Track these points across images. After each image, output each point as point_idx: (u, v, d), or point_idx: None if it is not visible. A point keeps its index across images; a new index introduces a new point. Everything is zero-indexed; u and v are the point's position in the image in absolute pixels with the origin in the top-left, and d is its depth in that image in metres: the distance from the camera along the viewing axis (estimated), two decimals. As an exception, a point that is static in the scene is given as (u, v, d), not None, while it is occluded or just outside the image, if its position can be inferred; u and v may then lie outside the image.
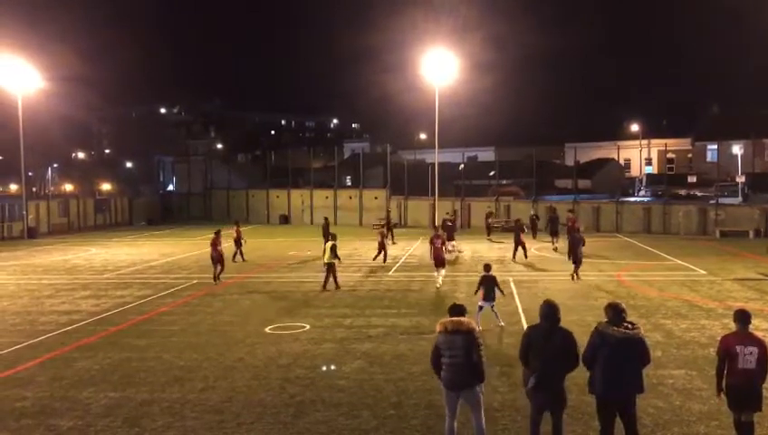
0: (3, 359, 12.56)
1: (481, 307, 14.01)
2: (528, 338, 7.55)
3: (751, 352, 7.21)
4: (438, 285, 19.40)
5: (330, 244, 19.39)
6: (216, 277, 21.26)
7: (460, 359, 7.49)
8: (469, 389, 7.63)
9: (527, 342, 7.52)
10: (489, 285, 14.04)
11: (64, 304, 18.13)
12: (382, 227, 30.84)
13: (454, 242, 27.18)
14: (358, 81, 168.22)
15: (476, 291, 14.28)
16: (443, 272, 19.81)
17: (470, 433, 7.96)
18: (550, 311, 7.45)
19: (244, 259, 26.40)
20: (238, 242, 26.66)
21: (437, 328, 7.76)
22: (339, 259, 19.68)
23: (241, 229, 27.50)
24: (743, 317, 7.46)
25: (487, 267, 14.41)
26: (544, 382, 7.30)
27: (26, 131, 41.10)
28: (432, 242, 20.35)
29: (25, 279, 22.92)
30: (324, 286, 19.24)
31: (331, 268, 19.28)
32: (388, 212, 37.31)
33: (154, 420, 9.23)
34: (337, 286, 19.29)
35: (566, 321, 13.76)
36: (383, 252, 25.18)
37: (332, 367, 11.53)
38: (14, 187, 72.00)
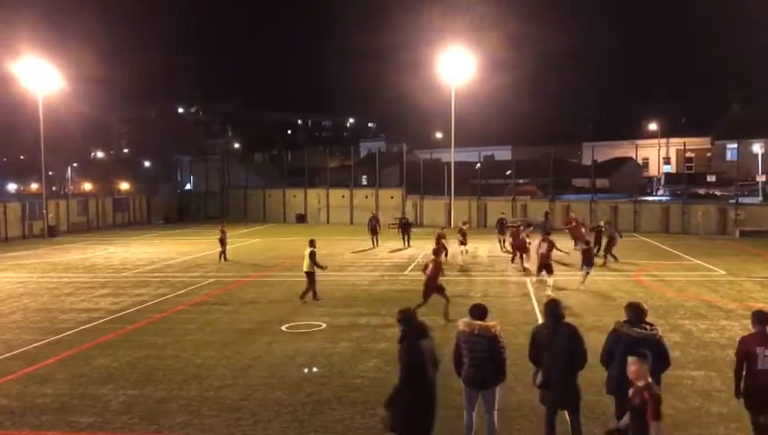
0: (23, 356, 12.73)
1: None
2: (535, 337, 7.61)
3: (770, 353, 7.14)
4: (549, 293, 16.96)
5: (308, 250, 17.75)
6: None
7: (483, 360, 7.53)
8: (488, 388, 7.66)
9: (534, 340, 7.57)
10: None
11: (84, 301, 18.33)
12: (395, 225, 30.59)
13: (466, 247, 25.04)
14: (374, 80, 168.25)
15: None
16: (550, 281, 18.15)
17: (483, 431, 7.95)
18: (554, 308, 7.54)
19: (225, 259, 26.13)
20: (223, 242, 26.47)
21: (460, 326, 7.77)
22: (321, 267, 17.80)
23: (226, 230, 27.19)
24: (762, 318, 7.38)
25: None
26: (553, 379, 7.31)
27: (47, 131, 41.55)
28: (539, 247, 18.74)
29: (46, 277, 23.19)
30: (303, 296, 17.41)
31: (310, 277, 17.58)
32: (403, 215, 36.27)
33: (172, 418, 9.31)
34: (315, 297, 17.48)
35: (584, 321, 13.76)
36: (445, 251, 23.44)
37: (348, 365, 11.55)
38: (34, 186, 72.80)
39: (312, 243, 18.12)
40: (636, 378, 5.84)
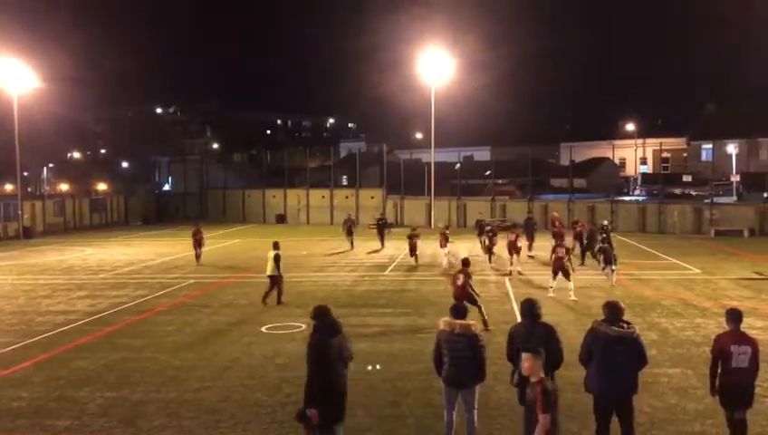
0: (-2, 359, 12.55)
1: None
2: (512, 336, 7.66)
3: (744, 352, 7.26)
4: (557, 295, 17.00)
5: (272, 253, 17.22)
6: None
7: (463, 359, 7.56)
8: (468, 388, 7.69)
9: (511, 339, 7.62)
10: None
11: (60, 304, 18.11)
12: (373, 226, 30.45)
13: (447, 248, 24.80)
14: (354, 80, 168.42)
15: None
16: (570, 285, 17.35)
17: (464, 431, 7.99)
18: (530, 307, 7.60)
19: (199, 262, 25.55)
20: (198, 244, 25.92)
21: (441, 326, 7.80)
22: (278, 273, 17.17)
23: (202, 231, 26.56)
24: (735, 316, 7.50)
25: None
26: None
27: (22, 132, 40.92)
28: (554, 250, 18.01)
29: (21, 279, 22.87)
30: (264, 299, 17.00)
31: (274, 281, 17.14)
32: (381, 215, 35.06)
33: (150, 421, 9.23)
34: (279, 300, 17.02)
35: (561, 320, 13.85)
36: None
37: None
38: (9, 187, 71.77)
39: (275, 245, 17.52)
40: (530, 373, 5.88)
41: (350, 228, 30.84)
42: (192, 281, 21.71)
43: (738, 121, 54.36)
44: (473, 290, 14.03)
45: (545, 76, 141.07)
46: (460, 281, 13.98)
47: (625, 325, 7.18)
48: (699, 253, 26.91)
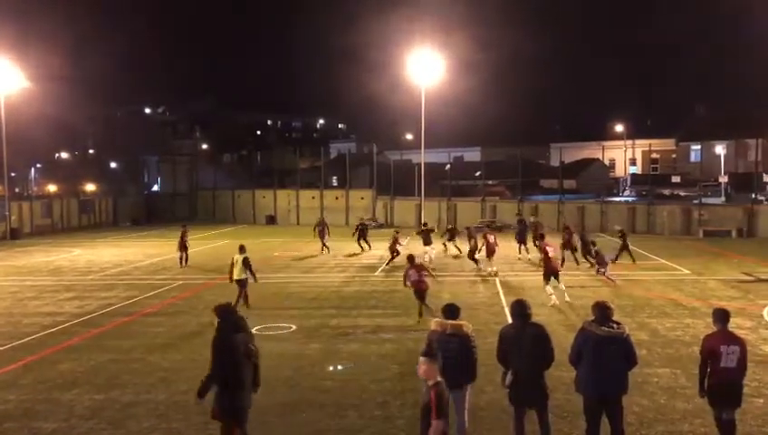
0: (-15, 361, 12.44)
1: None
2: (502, 337, 7.65)
3: (733, 352, 7.30)
4: (552, 303, 16.32)
5: (241, 256, 16.60)
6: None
7: (454, 360, 7.54)
8: (459, 388, 7.68)
9: (502, 340, 7.62)
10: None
11: (48, 305, 17.97)
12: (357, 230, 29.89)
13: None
14: (344, 81, 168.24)
15: None
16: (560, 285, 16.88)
17: (453, 431, 7.98)
18: (520, 308, 7.59)
19: (182, 265, 24.86)
20: (184, 247, 25.06)
21: (433, 326, 7.79)
22: (254, 277, 16.69)
23: (188, 233, 25.58)
24: (723, 317, 7.54)
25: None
26: (521, 379, 7.37)
27: (9, 131, 40.60)
28: (544, 249, 17.59)
29: (8, 281, 22.69)
30: (235, 305, 16.39)
31: (243, 284, 16.57)
32: (361, 219, 33.99)
33: (139, 422, 9.18)
34: (246, 304, 16.31)
35: (551, 320, 13.90)
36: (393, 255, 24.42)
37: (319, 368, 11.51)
38: (-4, 187, 71.25)
39: (242, 249, 16.92)
40: (426, 377, 5.81)
41: (321, 231, 29.33)
42: (181, 282, 21.61)
43: (726, 123, 54.76)
44: (430, 274, 15.37)
45: (535, 77, 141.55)
46: (412, 277, 14.71)
47: (615, 325, 7.19)
48: (688, 254, 27.06)
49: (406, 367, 11.32)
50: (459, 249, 26.61)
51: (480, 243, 22.62)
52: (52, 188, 71.24)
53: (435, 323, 7.79)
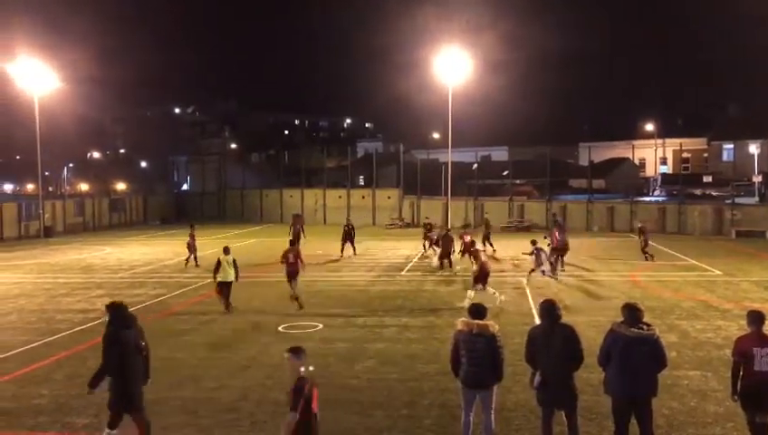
0: (20, 357, 12.70)
1: None
2: (531, 338, 7.59)
3: (767, 354, 7.15)
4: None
5: (230, 258, 16.54)
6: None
7: (481, 360, 7.51)
8: (486, 388, 7.65)
9: (530, 341, 7.56)
10: None
11: (80, 302, 18.29)
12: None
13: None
14: (371, 80, 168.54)
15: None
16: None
17: (480, 432, 7.95)
18: (549, 309, 7.50)
19: (187, 264, 24.94)
20: (191, 247, 25.06)
21: (459, 326, 7.76)
22: (236, 278, 16.58)
23: (195, 233, 25.64)
24: (756, 318, 7.39)
25: None
26: (550, 380, 7.31)
27: (43, 131, 41.46)
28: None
29: (42, 278, 23.13)
30: (228, 308, 16.35)
31: (229, 287, 16.41)
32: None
33: (167, 419, 9.28)
34: (227, 308, 16.27)
35: (579, 321, 13.76)
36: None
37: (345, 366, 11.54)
38: (30, 186, 72.65)
39: (226, 250, 16.81)
40: (290, 372, 6.20)
41: (297, 232, 28.13)
42: (209, 280, 21.74)
43: (760, 122, 53.67)
44: (301, 261, 16.86)
45: (564, 75, 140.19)
46: (291, 259, 16.69)
47: (645, 327, 7.11)
48: (720, 254, 26.59)
49: (432, 367, 11.30)
50: (435, 251, 25.41)
51: (458, 245, 23.53)
52: (83, 187, 72.51)
53: (461, 322, 7.76)
